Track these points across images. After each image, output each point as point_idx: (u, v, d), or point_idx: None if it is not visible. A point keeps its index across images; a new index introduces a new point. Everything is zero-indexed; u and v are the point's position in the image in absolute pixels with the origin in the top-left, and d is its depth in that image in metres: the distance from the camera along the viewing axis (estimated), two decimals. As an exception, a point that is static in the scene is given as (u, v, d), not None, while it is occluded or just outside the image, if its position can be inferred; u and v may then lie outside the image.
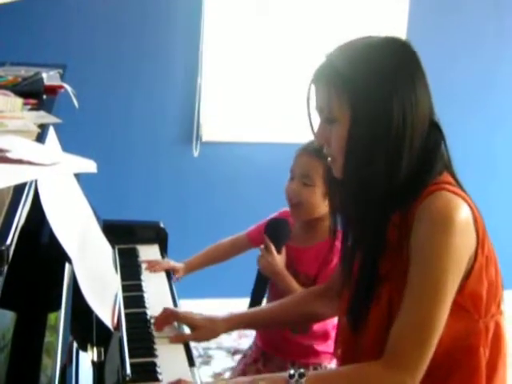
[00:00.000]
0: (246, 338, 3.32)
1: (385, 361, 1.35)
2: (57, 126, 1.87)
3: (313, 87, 1.43)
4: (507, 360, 1.47)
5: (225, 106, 3.62)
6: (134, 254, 2.18)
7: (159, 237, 2.29)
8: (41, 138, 1.65)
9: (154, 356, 1.61)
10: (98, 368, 1.43)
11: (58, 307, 1.38)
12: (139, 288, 1.96)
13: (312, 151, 1.90)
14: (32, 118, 1.79)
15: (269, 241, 1.96)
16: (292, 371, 1.38)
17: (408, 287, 1.35)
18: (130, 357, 1.53)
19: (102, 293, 1.60)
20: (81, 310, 1.47)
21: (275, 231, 2.00)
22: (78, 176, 1.87)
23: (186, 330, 1.77)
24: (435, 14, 3.69)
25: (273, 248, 1.95)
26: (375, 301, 1.43)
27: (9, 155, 1.40)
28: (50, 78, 2.21)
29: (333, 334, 1.98)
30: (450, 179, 1.41)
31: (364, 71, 1.35)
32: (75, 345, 1.37)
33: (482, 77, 3.83)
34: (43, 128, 1.73)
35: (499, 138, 3.93)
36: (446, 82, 3.67)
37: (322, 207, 1.93)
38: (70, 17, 3.34)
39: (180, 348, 1.68)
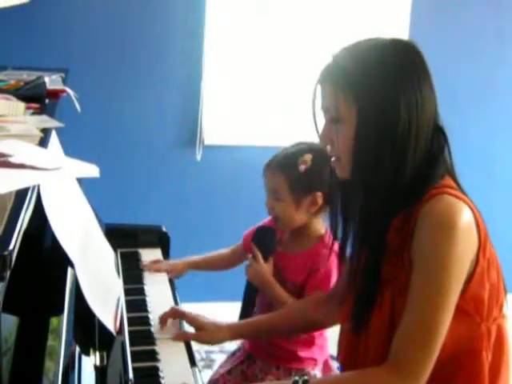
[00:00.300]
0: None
1: (389, 366, 1.35)
2: (59, 130, 1.87)
3: (319, 87, 1.43)
4: (510, 363, 1.46)
5: (227, 110, 3.61)
6: (136, 258, 2.18)
7: (161, 241, 2.29)
8: (43, 142, 1.65)
9: (157, 360, 1.61)
10: (101, 372, 1.43)
11: (61, 311, 1.38)
12: (141, 292, 1.96)
13: (274, 166, 1.93)
14: (34, 123, 1.79)
15: (256, 249, 1.94)
16: (296, 377, 1.38)
17: (411, 292, 1.35)
18: (133, 361, 1.54)
19: (105, 297, 1.60)
20: (83, 314, 1.47)
21: (262, 238, 1.98)
22: (80, 179, 1.87)
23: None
24: (437, 14, 3.69)
25: (260, 257, 1.93)
26: (377, 304, 1.43)
27: (11, 160, 1.40)
28: (52, 82, 2.21)
29: (318, 341, 1.98)
30: (452, 183, 1.41)
31: (371, 71, 1.36)
32: (78, 349, 1.37)
33: (483, 77, 3.82)
34: (46, 132, 1.73)
35: (499, 139, 3.91)
36: (447, 83, 3.65)
37: (300, 217, 1.93)
38: (72, 21, 3.33)
39: (183, 352, 1.68)
